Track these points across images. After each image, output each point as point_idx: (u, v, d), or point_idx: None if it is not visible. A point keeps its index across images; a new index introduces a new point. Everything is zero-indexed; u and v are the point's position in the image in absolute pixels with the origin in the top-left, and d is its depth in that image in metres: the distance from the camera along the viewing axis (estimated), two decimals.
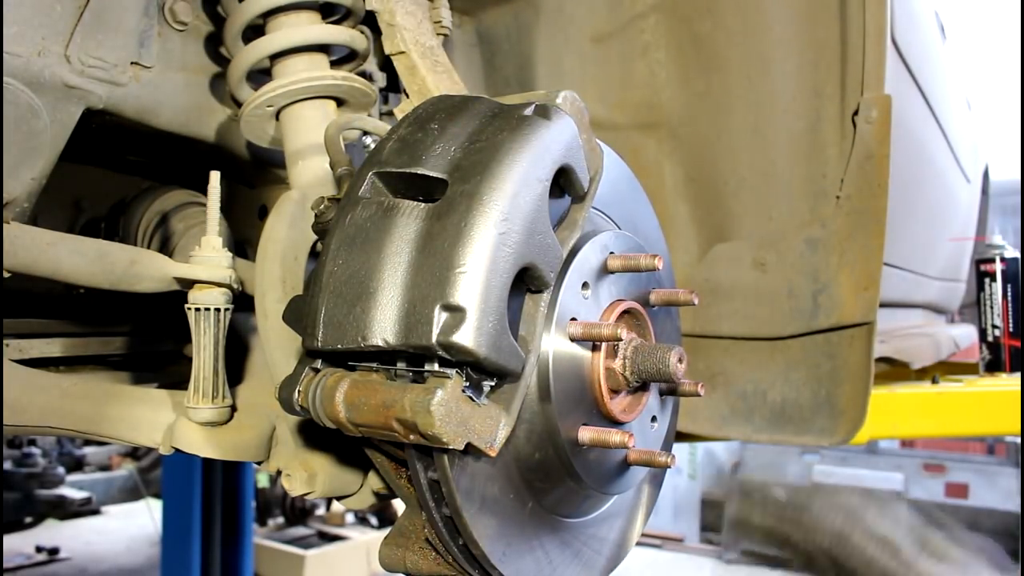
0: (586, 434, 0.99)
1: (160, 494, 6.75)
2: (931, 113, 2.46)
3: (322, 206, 1.08)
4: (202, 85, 1.50)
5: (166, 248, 1.71)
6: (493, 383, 0.89)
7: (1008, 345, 2.99)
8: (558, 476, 1.01)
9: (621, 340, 0.98)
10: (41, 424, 1.27)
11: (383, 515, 7.94)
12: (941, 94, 2.60)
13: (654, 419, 1.15)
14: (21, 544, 8.22)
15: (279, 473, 1.27)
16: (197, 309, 1.19)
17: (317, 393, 0.92)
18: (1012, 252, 3.06)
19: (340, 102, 1.37)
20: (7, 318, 1.60)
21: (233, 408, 1.25)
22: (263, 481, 7.78)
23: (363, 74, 1.52)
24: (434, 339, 0.83)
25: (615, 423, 1.04)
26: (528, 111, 0.95)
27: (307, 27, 1.33)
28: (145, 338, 1.84)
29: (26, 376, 1.28)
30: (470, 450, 0.86)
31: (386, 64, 1.62)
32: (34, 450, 9.04)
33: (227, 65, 1.37)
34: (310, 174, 1.32)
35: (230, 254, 1.22)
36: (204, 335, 1.19)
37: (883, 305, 1.76)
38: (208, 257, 1.20)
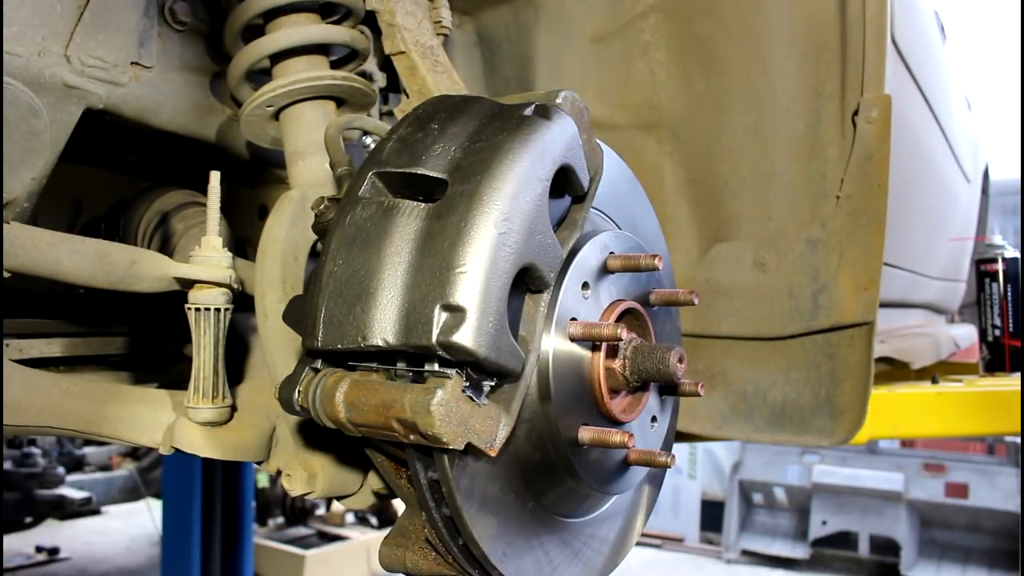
0: (586, 434, 0.99)
1: (160, 494, 6.75)
2: (931, 113, 2.46)
3: (322, 206, 1.08)
4: (202, 85, 1.50)
5: (166, 248, 1.70)
6: (493, 383, 0.89)
7: (1008, 345, 2.99)
8: (558, 476, 1.01)
9: (621, 340, 0.98)
10: (41, 424, 1.27)
11: (383, 515, 7.94)
12: (941, 94, 2.60)
13: (654, 419, 1.15)
14: (21, 544, 8.22)
15: (279, 473, 1.27)
16: (197, 309, 1.19)
17: (317, 393, 0.92)
18: (1012, 252, 3.06)
19: (340, 102, 1.37)
20: (7, 318, 1.60)
21: (233, 408, 1.25)
22: (263, 481, 7.79)
23: (363, 74, 1.52)
24: (434, 339, 0.83)
25: (615, 423, 1.04)
26: (528, 111, 0.95)
27: (307, 27, 1.33)
28: (145, 338, 1.84)
29: (26, 376, 1.28)
30: (470, 450, 0.86)
31: (386, 64, 1.62)
32: (34, 450, 9.03)
33: (227, 65, 1.37)
34: (310, 174, 1.32)
35: (230, 254, 1.22)
36: (204, 335, 1.19)
37: (883, 305, 1.76)
38: (208, 257, 1.20)
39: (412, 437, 0.85)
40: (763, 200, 1.80)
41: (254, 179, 1.77)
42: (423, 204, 0.91)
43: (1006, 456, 8.12)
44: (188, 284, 1.21)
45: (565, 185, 0.99)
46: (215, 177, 1.22)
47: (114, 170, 1.85)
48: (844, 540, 8.45)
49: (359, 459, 1.26)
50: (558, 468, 1.00)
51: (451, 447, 0.83)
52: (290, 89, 1.30)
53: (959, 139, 3.02)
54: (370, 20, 1.44)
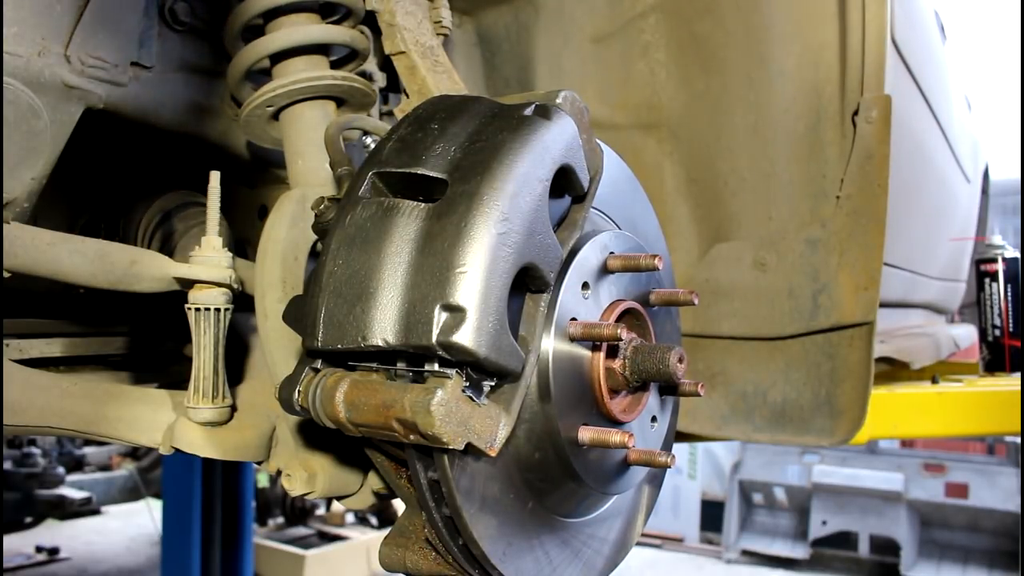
0: (586, 434, 0.99)
1: (160, 494, 6.75)
2: (931, 113, 2.46)
3: (322, 206, 1.08)
4: (202, 85, 1.50)
5: (166, 248, 1.71)
6: (493, 383, 0.89)
7: (1008, 345, 2.99)
8: (558, 476, 1.01)
9: (621, 340, 0.98)
10: (41, 424, 1.27)
11: (383, 515, 7.94)
12: (941, 94, 2.60)
13: (654, 419, 1.15)
14: (21, 544, 8.22)
15: (279, 473, 1.27)
16: (197, 309, 1.19)
17: (317, 393, 0.92)
18: (1012, 252, 3.06)
19: (340, 102, 1.37)
20: (7, 318, 1.60)
21: (233, 408, 1.25)
22: (263, 481, 7.78)
23: (363, 74, 1.52)
24: (434, 339, 0.83)
25: (615, 423, 1.04)
26: (528, 111, 0.95)
27: (307, 27, 1.33)
28: (145, 338, 1.84)
29: (26, 376, 1.28)
30: (470, 450, 0.86)
31: (386, 64, 1.62)
32: (34, 450, 9.03)
33: (227, 65, 1.37)
34: (310, 174, 1.32)
35: (230, 254, 1.22)
36: (204, 335, 1.19)
37: (883, 305, 1.76)
38: (208, 257, 1.20)
39: (412, 437, 0.85)
40: (763, 200, 1.80)
41: (254, 179, 1.77)
42: (423, 204, 0.91)
43: (1006, 456, 8.12)
44: (188, 284, 1.21)
45: (565, 185, 0.99)
46: (215, 177, 1.22)
47: (114, 170, 1.85)
48: (844, 540, 8.45)
49: (359, 459, 1.26)
50: (558, 468, 1.00)
51: (451, 447, 0.83)
52: (290, 89, 1.30)
53: (959, 139, 3.02)
54: (370, 20, 1.44)
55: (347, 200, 0.96)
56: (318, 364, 0.95)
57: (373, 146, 1.14)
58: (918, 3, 2.36)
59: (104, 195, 1.83)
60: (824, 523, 8.41)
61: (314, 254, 1.25)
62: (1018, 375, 2.95)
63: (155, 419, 1.25)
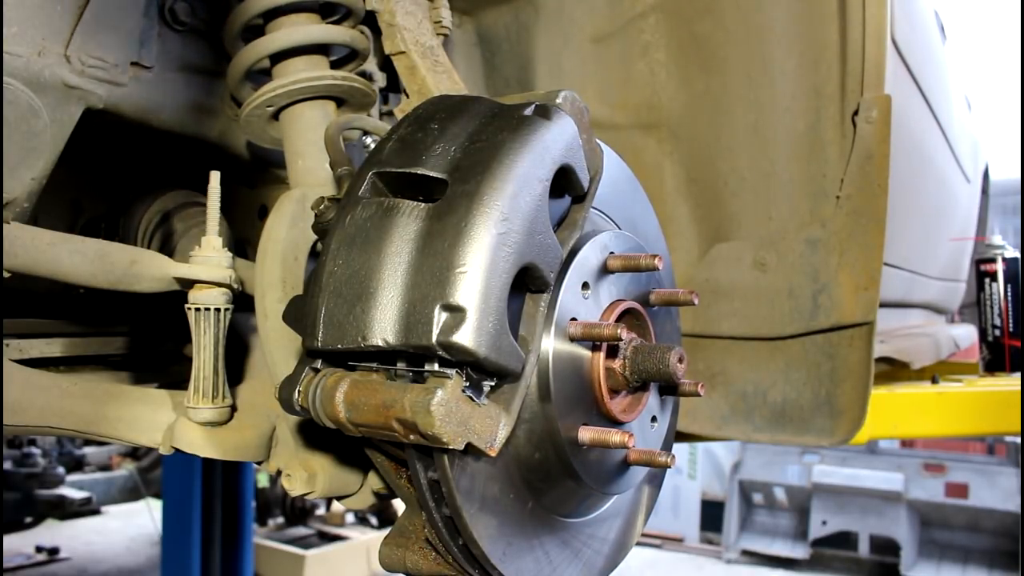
0: (586, 434, 0.99)
1: (160, 494, 6.75)
2: (931, 113, 2.46)
3: (322, 206, 1.08)
4: (202, 85, 1.50)
5: (166, 248, 1.71)
6: (493, 383, 0.89)
7: (1008, 345, 2.99)
8: (558, 476, 1.01)
9: (621, 340, 0.98)
10: (41, 424, 1.27)
11: (383, 515, 7.94)
12: (941, 94, 2.60)
13: (654, 419, 1.15)
14: (21, 544, 8.22)
15: (279, 473, 1.27)
16: (197, 309, 1.19)
17: (317, 393, 0.92)
18: (1012, 252, 3.07)
19: (340, 102, 1.37)
20: (7, 318, 1.60)
21: (233, 408, 1.25)
22: (263, 481, 7.79)
23: (363, 74, 1.52)
24: (434, 339, 0.83)
25: (615, 423, 1.04)
26: (528, 111, 0.95)
27: (307, 27, 1.33)
28: (145, 338, 1.84)
29: (26, 376, 1.28)
30: (470, 450, 0.86)
31: (386, 64, 1.62)
32: (34, 450, 9.03)
33: (227, 65, 1.37)
34: (310, 174, 1.32)
35: (230, 254, 1.22)
36: (204, 335, 1.19)
37: (883, 305, 1.76)
38: (208, 257, 1.20)
39: (412, 437, 0.85)
40: (763, 200, 1.80)
41: (254, 179, 1.77)
42: (423, 204, 0.91)
43: (1006, 456, 8.13)
44: (188, 284, 1.21)
45: (565, 185, 0.99)
46: (215, 177, 1.22)
47: (114, 170, 1.85)
48: (844, 540, 8.45)
49: (359, 459, 1.26)
50: (558, 468, 1.00)
51: (451, 447, 0.83)
52: (290, 89, 1.30)
53: (959, 139, 3.02)
54: (370, 20, 1.44)
55: (347, 200, 0.96)
56: (318, 364, 0.95)
57: (373, 146, 1.14)
58: (918, 3, 2.36)
59: (104, 195, 1.83)
60: (824, 523, 8.41)
61: (314, 254, 1.25)
62: (1018, 375, 2.95)
63: (155, 419, 1.25)
